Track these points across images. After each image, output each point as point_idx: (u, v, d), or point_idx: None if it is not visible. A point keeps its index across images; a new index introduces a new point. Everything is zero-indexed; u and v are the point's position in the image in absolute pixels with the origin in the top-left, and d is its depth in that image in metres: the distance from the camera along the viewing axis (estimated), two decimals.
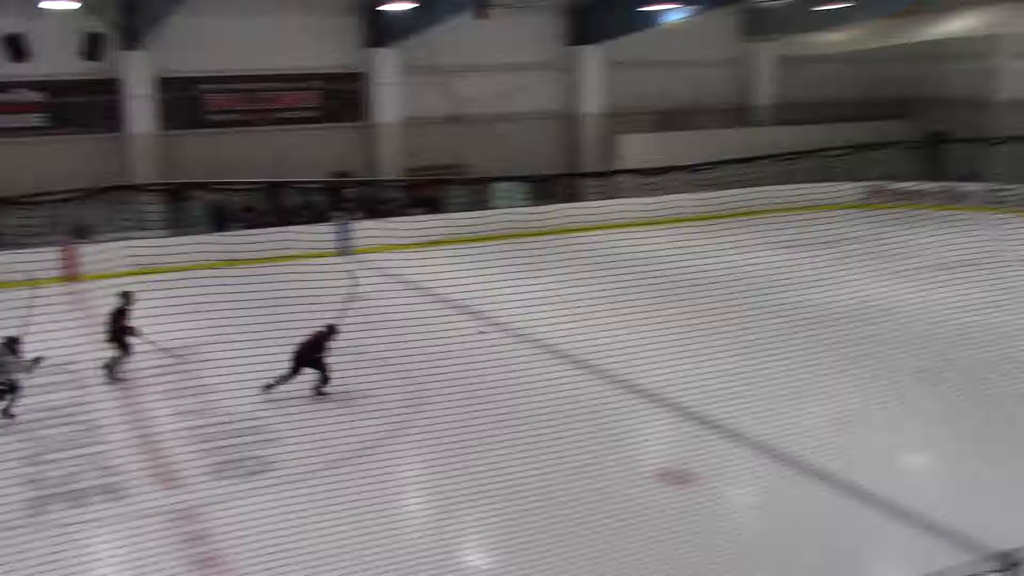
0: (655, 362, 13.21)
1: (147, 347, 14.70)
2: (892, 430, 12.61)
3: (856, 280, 16.51)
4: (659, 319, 13.49)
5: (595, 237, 20.17)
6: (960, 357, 14.98)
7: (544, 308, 14.06)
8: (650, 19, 29.95)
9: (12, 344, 12.97)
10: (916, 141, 32.00)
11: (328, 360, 13.79)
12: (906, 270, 17.74)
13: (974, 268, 16.99)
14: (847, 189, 30.37)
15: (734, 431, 12.39)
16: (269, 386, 13.50)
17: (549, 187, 28.10)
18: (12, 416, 13.23)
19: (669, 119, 34.13)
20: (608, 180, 25.21)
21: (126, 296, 15.16)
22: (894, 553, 9.71)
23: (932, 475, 11.86)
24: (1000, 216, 28.45)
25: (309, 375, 13.82)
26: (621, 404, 13.64)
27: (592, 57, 32.40)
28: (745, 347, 15.56)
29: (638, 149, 30.67)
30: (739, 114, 35.97)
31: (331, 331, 13.74)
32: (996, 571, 6.68)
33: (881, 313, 16.90)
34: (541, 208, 24.05)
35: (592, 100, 32.74)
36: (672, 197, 26.69)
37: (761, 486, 11.26)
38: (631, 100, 33.22)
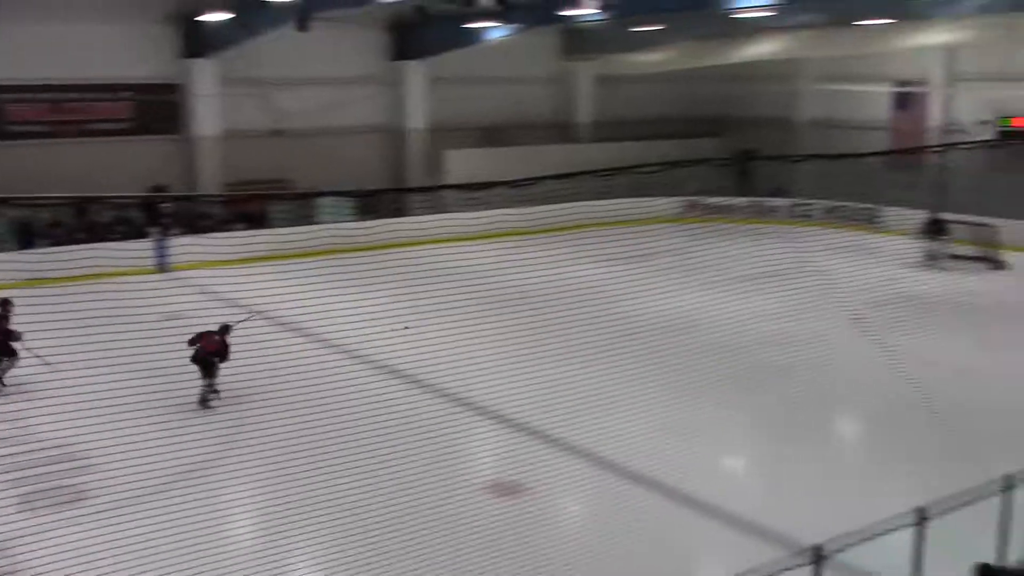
0: (482, 375, 13.34)
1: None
2: (710, 435, 13.17)
3: (672, 292, 17.17)
4: (485, 332, 13.63)
5: (421, 252, 20.19)
6: (767, 363, 15.79)
7: (371, 324, 13.95)
8: (473, 36, 30.31)
9: None
10: (727, 158, 33.58)
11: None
12: (718, 281, 18.59)
13: (779, 279, 17.94)
14: (663, 204, 31.55)
15: (561, 442, 12.64)
16: (204, 401, 13.94)
17: (375, 202, 27.93)
18: None
19: (493, 135, 34.59)
20: (434, 195, 25.27)
21: (4, 303, 15.26)
22: (716, 554, 10.14)
23: (747, 477, 12.45)
24: (803, 229, 30.18)
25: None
26: (450, 418, 13.68)
27: (416, 72, 32.48)
28: (569, 358, 15.90)
29: (463, 164, 30.92)
30: (560, 131, 36.84)
31: (226, 329, 14.32)
32: (806, 564, 7.07)
33: (696, 323, 17.62)
34: (367, 223, 23.86)
35: (417, 115, 32.80)
36: (496, 212, 27.05)
37: (588, 495, 11.53)
38: (456, 116, 33.48)
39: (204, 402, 14.04)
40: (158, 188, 26.14)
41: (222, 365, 14.17)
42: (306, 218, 27.17)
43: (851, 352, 16.72)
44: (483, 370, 13.38)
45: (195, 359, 14.07)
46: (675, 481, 11.44)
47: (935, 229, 26.20)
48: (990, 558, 7.99)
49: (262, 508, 11.03)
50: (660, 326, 16.46)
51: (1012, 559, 8.12)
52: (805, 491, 11.28)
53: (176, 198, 29.33)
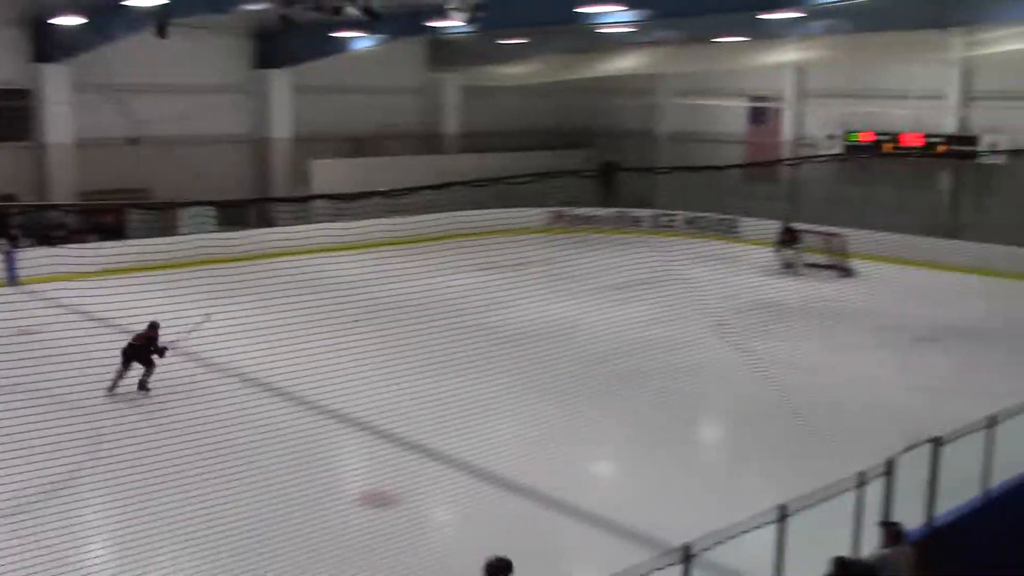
0: (354, 387, 13.21)
1: None
2: (582, 441, 13.38)
3: (544, 301, 17.40)
4: (356, 344, 13.51)
5: (291, 263, 19.89)
6: (636, 369, 16.16)
7: (238, 336, 13.66)
8: (339, 45, 30.05)
9: None
10: (593, 170, 34.24)
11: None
12: (587, 290, 18.94)
13: (646, 287, 18.41)
14: (532, 215, 31.94)
15: (434, 452, 12.64)
16: (111, 388, 14.73)
17: (241, 212, 27.33)
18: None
19: (360, 145, 34.35)
20: (302, 205, 24.90)
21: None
22: (589, 557, 10.31)
23: (618, 481, 12.69)
24: (667, 239, 31.02)
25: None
26: (322, 430, 13.51)
27: (280, 81, 31.95)
28: (442, 368, 15.93)
29: (329, 174, 30.59)
30: (427, 141, 36.86)
31: (154, 327, 15.12)
32: (676, 564, 7.27)
33: (566, 331, 17.89)
34: (234, 234, 23.31)
35: (281, 124, 32.25)
36: (367, 222, 26.83)
37: (461, 503, 11.56)
38: (322, 125, 33.10)
39: (143, 385, 15.32)
40: (7, 197, 24.92)
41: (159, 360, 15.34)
42: (168, 229, 26.36)
43: (715, 357, 17.28)
44: (354, 382, 13.27)
45: (127, 352, 15.25)
46: (547, 487, 11.60)
47: (789, 238, 27.35)
48: (846, 551, 8.39)
49: (125, 523, 10.64)
50: (531, 334, 16.66)
51: (865, 551, 8.54)
52: (674, 493, 11.59)
53: (26, 207, 28.00)
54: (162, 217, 25.94)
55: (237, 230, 24.84)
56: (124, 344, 15.21)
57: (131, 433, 11.13)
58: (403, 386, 15.04)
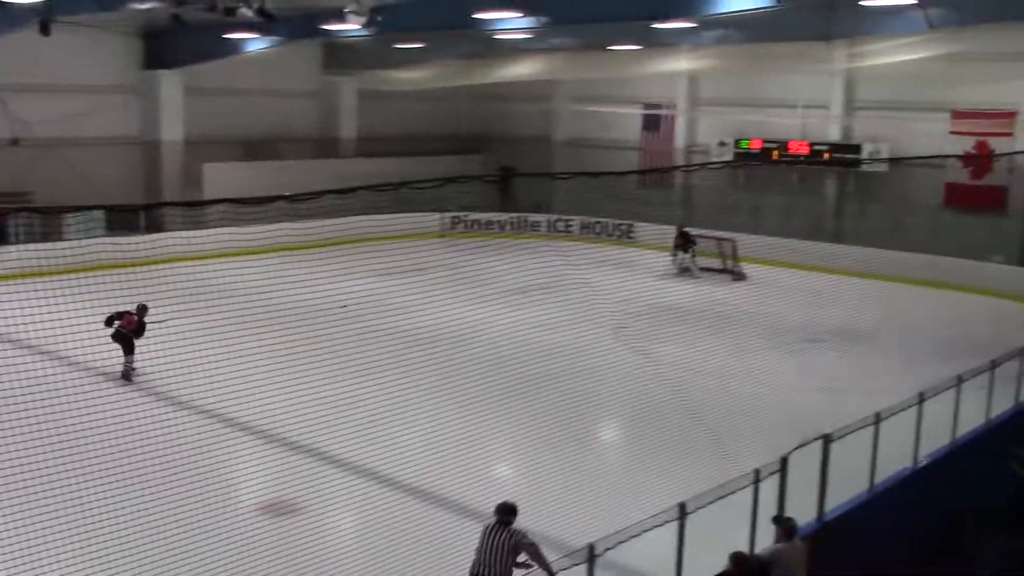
0: (253, 394, 13.02)
1: None
2: (485, 444, 13.44)
3: (445, 305, 17.39)
4: (255, 350, 13.28)
5: (185, 268, 19.43)
6: (537, 372, 16.29)
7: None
8: (232, 47, 29.49)
9: None
10: (490, 175, 34.41)
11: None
12: (488, 295, 18.98)
13: (545, 292, 18.61)
14: (431, 219, 31.92)
15: (335, 458, 12.54)
16: (126, 375, 15.86)
17: (131, 217, 26.55)
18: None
19: (255, 148, 33.78)
20: (196, 209, 24.33)
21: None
22: None
23: (520, 484, 12.78)
24: (564, 244, 31.37)
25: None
26: (221, 439, 13.24)
27: (171, 82, 31.16)
28: (344, 374, 15.78)
29: (223, 178, 29.98)
30: (324, 146, 36.47)
31: (144, 310, 16.27)
32: (580, 563, 7.39)
33: (467, 335, 17.93)
34: (123, 239, 22.65)
35: (172, 127, 31.45)
36: (263, 228, 26.39)
37: (364, 509, 11.49)
38: (215, 128, 32.43)
39: (126, 376, 16.09)
40: None
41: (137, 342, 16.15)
42: (53, 234, 25.43)
43: (614, 360, 17.56)
44: (254, 389, 13.07)
45: (115, 337, 16.09)
46: (449, 491, 11.62)
47: (684, 242, 27.96)
48: (743, 547, 8.65)
49: (10, 539, 10.25)
50: (432, 339, 16.65)
51: (761, 546, 8.82)
52: (576, 494, 11.73)
53: None
54: (46, 222, 25.01)
55: (127, 235, 24.15)
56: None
57: (17, 441, 10.75)
58: (304, 392, 14.87)
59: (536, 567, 8.16)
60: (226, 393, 13.42)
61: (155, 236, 24.45)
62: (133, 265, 16.85)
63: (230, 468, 12.55)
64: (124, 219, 26.34)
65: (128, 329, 16.30)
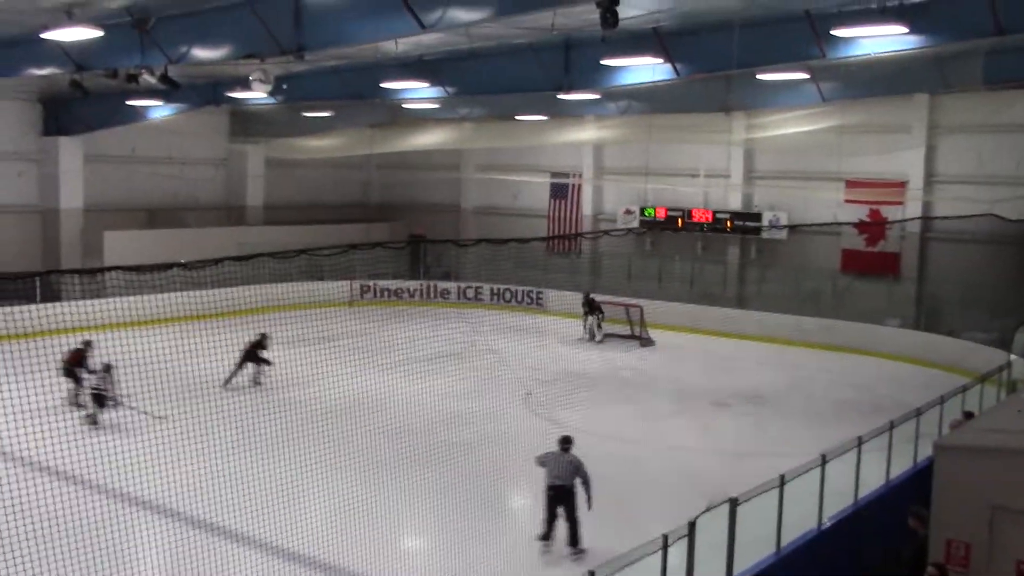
0: (153, 470, 12.59)
1: None
2: (393, 515, 13.19)
3: (352, 374, 17.14)
4: (154, 424, 12.89)
5: (79, 339, 18.84)
6: (447, 440, 16.12)
7: (18, 419, 12.80)
8: (135, 114, 29.09)
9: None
10: (399, 243, 34.38)
11: None
12: (397, 363, 18.81)
13: (455, 359, 18.52)
14: (337, 287, 31.61)
15: (237, 533, 12.14)
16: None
17: (25, 286, 25.66)
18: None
19: (158, 216, 33.19)
20: (95, 279, 23.67)
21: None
22: None
23: (429, 554, 12.56)
24: (474, 311, 31.36)
25: None
26: (119, 517, 12.73)
27: (71, 149, 30.52)
28: (246, 448, 15.39)
29: (124, 246, 29.30)
30: (230, 213, 36.02)
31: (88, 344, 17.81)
32: None
33: (376, 405, 17.69)
34: (14, 308, 21.84)
35: (73, 195, 30.71)
36: (166, 295, 25.77)
37: None
38: (117, 196, 31.86)
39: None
40: None
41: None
42: None
43: (524, 426, 17.49)
44: (155, 464, 12.64)
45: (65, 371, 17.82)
46: (356, 564, 11.33)
47: (590, 309, 28.21)
48: None
49: None
50: (340, 409, 16.36)
51: None
52: (483, 564, 11.54)
53: None
54: None
55: (21, 305, 23.28)
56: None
57: None
58: (206, 468, 14.43)
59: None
60: (124, 468, 12.98)
61: (48, 306, 23.62)
62: (26, 336, 16.25)
63: (128, 546, 12.04)
64: (19, 289, 25.46)
65: (70, 362, 18.20)
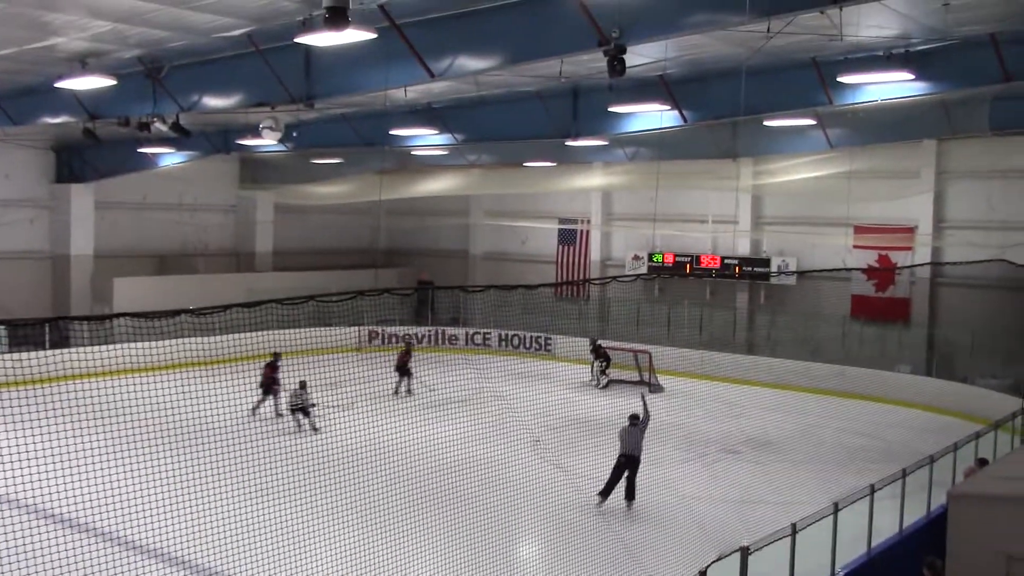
0: (160, 515, 12.52)
1: None
2: (400, 564, 13.05)
3: (363, 421, 17.06)
4: (163, 469, 12.84)
5: (89, 385, 18.82)
6: (452, 487, 15.99)
7: (27, 466, 12.75)
8: (146, 161, 29.38)
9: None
10: (407, 289, 34.42)
11: None
12: (405, 409, 18.78)
13: (462, 405, 18.43)
14: (347, 334, 31.60)
15: None
16: None
17: (35, 332, 25.74)
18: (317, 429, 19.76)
19: (168, 262, 33.35)
20: (104, 325, 23.72)
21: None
22: None
23: None
24: (482, 357, 31.27)
25: None
26: (123, 564, 12.62)
27: (82, 196, 30.76)
28: (256, 494, 15.30)
29: (133, 293, 29.42)
30: (239, 259, 36.17)
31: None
32: None
33: (383, 451, 17.57)
34: (24, 355, 21.90)
35: (83, 241, 30.90)
36: (174, 342, 25.72)
37: None
38: (128, 242, 32.06)
39: None
40: None
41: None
42: None
43: (532, 473, 17.36)
44: (162, 509, 12.57)
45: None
46: None
47: (599, 355, 28.08)
48: None
49: None
50: (347, 455, 16.25)
51: None
52: None
53: None
54: None
55: (30, 351, 23.34)
56: None
57: None
58: (212, 512, 14.33)
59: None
60: (130, 514, 12.89)
61: (57, 352, 23.65)
62: (35, 383, 16.25)
63: None
64: (28, 335, 25.55)
65: None
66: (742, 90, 17.89)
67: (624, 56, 13.60)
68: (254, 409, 21.40)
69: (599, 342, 28.52)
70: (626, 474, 15.98)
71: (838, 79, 17.64)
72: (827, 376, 27.20)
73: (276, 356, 21.92)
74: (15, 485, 12.71)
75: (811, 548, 10.17)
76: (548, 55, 15.52)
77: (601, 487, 15.97)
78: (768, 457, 20.17)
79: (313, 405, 19.97)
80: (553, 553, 14.64)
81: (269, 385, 21.70)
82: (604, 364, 27.85)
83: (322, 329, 29.00)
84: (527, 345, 33.10)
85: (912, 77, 16.92)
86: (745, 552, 9.15)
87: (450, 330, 34.21)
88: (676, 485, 17.14)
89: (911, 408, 25.27)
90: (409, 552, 13.56)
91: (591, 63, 16.92)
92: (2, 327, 23.49)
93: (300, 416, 20.28)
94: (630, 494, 16.01)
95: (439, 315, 35.55)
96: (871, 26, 15.36)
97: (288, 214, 36.61)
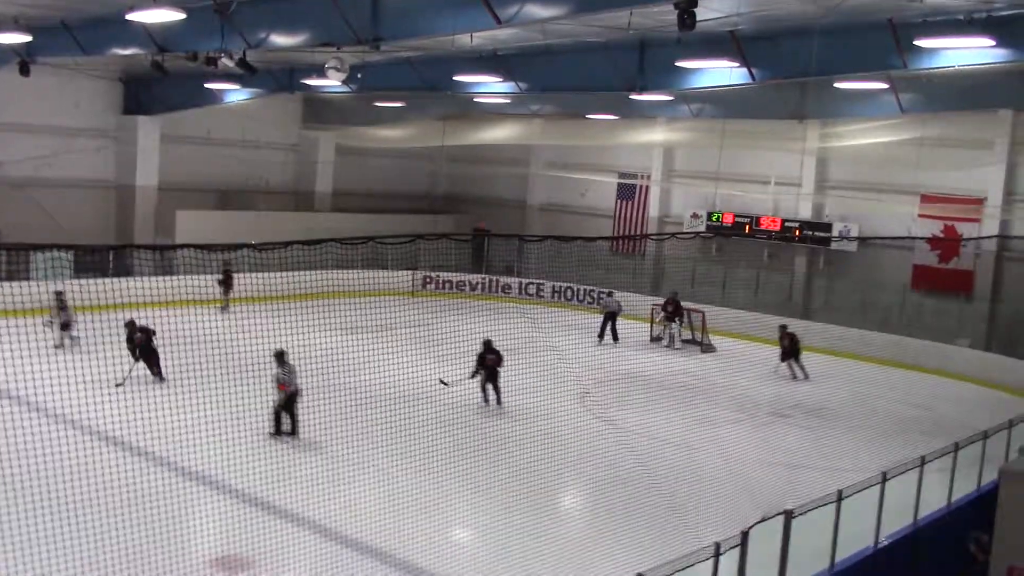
0: (210, 445, 12.81)
1: None
2: (445, 507, 13.25)
3: (410, 363, 17.25)
4: (217, 402, 13.10)
5: (150, 315, 19.23)
6: (500, 434, 16.13)
7: (89, 390, 13.11)
8: (212, 96, 29.61)
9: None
10: (464, 235, 34.49)
11: None
12: (455, 355, 18.88)
13: (513, 355, 18.52)
14: (400, 277, 31.84)
15: (291, 514, 12.30)
16: None
17: (99, 260, 26.29)
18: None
19: (229, 197, 33.73)
20: (165, 256, 24.15)
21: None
22: None
23: (480, 548, 12.58)
24: (535, 307, 31.35)
25: None
26: (175, 490, 12.99)
27: (149, 128, 31.15)
28: (303, 428, 15.61)
29: (195, 226, 29.89)
30: (299, 198, 36.48)
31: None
32: None
33: (432, 395, 17.79)
34: (89, 281, 22.41)
35: (148, 173, 31.35)
36: (234, 277, 26.16)
37: (317, 567, 11.23)
38: (190, 176, 32.44)
39: None
40: None
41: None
42: (17, 273, 25.08)
43: (579, 425, 17.46)
44: (213, 441, 12.86)
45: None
46: (405, 552, 11.40)
47: (675, 312, 27.57)
48: None
49: None
50: (396, 398, 16.48)
51: None
52: (534, 562, 11.54)
53: None
54: (11, 261, 24.69)
55: (95, 278, 23.88)
56: None
57: None
58: (262, 447, 14.65)
59: None
60: (182, 443, 13.23)
61: (120, 280, 24.17)
62: (96, 309, 16.63)
63: (184, 520, 12.27)
64: (92, 262, 26.11)
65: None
66: (814, 50, 17.47)
67: (695, 9, 13.35)
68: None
69: (678, 299, 27.72)
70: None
71: (914, 42, 17.11)
72: (884, 345, 26.84)
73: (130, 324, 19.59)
74: (73, 406, 13.07)
75: (856, 516, 10.12)
76: (618, 5, 15.28)
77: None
78: (819, 423, 20.03)
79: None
80: (595, 507, 14.77)
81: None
82: (680, 322, 27.51)
83: (378, 272, 29.26)
84: (580, 298, 33.04)
85: (993, 43, 16.36)
86: (789, 515, 9.12)
87: (504, 279, 34.29)
88: (724, 446, 17.12)
89: (967, 382, 24.87)
90: (452, 493, 13.76)
91: (660, 15, 16.61)
92: (69, 252, 23.99)
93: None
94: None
95: (494, 264, 35.60)
96: None
97: (348, 156, 36.78)
